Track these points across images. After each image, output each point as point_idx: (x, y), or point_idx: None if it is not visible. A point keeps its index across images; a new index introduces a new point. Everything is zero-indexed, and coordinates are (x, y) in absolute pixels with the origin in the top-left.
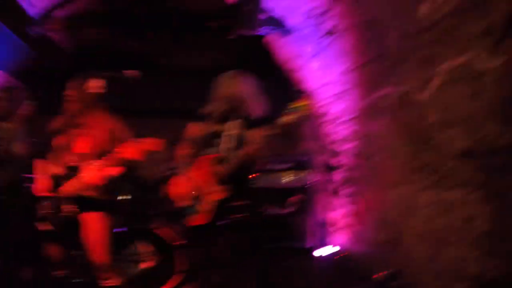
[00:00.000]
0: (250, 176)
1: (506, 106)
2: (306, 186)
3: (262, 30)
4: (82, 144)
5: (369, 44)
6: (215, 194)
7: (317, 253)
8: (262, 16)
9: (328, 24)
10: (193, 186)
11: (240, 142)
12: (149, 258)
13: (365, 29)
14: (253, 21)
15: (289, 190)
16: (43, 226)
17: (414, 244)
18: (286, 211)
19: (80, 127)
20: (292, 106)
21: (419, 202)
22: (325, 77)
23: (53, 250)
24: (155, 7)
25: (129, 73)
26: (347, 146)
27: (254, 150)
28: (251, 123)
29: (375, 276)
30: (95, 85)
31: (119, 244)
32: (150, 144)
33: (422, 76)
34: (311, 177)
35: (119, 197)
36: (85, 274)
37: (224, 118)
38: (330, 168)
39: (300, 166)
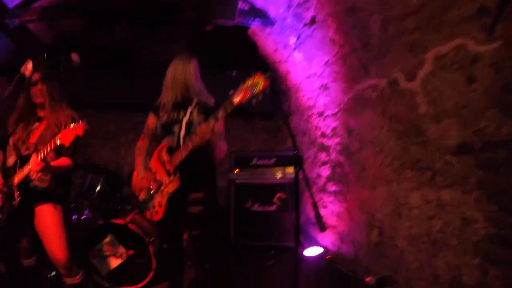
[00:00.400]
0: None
1: (506, 93)
2: (292, 183)
3: (243, 21)
4: (36, 135)
5: (351, 32)
6: (169, 185)
7: (303, 253)
8: (243, 6)
9: (309, 14)
10: (149, 178)
11: (194, 129)
12: (121, 254)
13: (347, 16)
14: (232, 10)
15: (274, 187)
16: None
17: (406, 248)
18: (271, 208)
19: (36, 118)
20: (244, 84)
21: (411, 201)
22: (309, 68)
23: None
24: None
25: (72, 56)
26: (334, 141)
27: (203, 135)
28: (207, 110)
29: (365, 279)
30: (27, 67)
31: (90, 239)
32: (76, 128)
33: (410, 63)
34: (297, 173)
35: (95, 191)
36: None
37: (180, 105)
38: (317, 164)
39: (286, 161)
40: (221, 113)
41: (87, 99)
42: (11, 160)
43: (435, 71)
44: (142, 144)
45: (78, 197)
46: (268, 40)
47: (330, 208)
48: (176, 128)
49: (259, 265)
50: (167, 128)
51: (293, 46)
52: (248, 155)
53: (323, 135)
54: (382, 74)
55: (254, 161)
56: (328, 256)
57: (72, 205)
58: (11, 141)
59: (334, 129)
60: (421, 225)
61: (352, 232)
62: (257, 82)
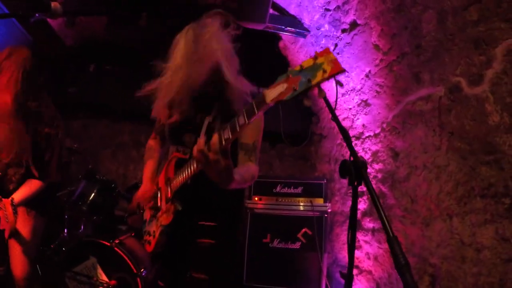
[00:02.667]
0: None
1: None
2: (320, 216)
3: (275, 27)
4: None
5: (400, 34)
6: (163, 215)
7: None
8: (275, 12)
9: (348, 17)
10: (152, 194)
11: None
12: (102, 283)
13: (394, 16)
14: (263, 12)
15: (299, 220)
16: None
17: None
18: (294, 246)
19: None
20: (293, 70)
21: (481, 240)
22: (346, 84)
23: None
24: None
25: (53, 4)
26: (374, 167)
27: (222, 145)
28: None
29: None
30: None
31: (70, 257)
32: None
33: (475, 63)
34: (328, 205)
35: (85, 202)
36: None
37: (201, 98)
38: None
39: (315, 191)
40: (241, 120)
41: (101, 105)
42: None
43: (507, 68)
44: (153, 143)
45: (71, 208)
46: (300, 53)
47: (366, 249)
48: (187, 138)
49: None
50: (176, 135)
51: None
52: (270, 181)
53: None
54: (438, 81)
55: (278, 189)
56: None
57: (65, 217)
58: None
59: (375, 153)
60: (494, 271)
61: (393, 280)
62: (320, 64)
